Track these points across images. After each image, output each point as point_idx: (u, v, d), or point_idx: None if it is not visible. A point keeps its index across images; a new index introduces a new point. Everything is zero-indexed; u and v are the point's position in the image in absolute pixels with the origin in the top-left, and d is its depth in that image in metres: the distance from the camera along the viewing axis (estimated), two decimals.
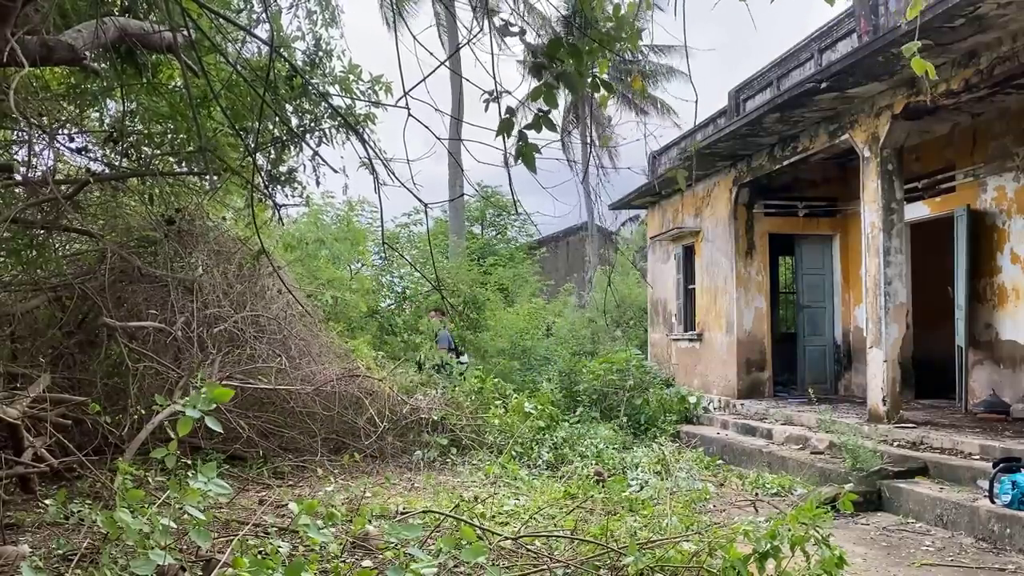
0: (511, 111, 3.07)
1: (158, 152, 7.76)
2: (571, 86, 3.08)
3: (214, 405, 2.61)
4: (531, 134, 3.11)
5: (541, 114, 3.05)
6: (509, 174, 3.11)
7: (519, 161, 3.06)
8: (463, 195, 23.12)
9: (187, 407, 2.56)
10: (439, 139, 3.21)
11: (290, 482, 6.95)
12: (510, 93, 3.17)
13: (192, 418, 2.57)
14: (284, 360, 7.92)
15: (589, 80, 3.18)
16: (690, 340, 13.95)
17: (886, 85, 8.49)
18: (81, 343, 7.26)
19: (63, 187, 7.19)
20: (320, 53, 7.22)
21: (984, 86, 7.65)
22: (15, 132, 7.20)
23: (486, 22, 3.30)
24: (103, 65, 5.78)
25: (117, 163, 7.67)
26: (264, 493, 6.25)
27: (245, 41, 6.72)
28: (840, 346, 12.46)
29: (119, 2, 5.94)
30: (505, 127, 3.04)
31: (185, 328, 7.19)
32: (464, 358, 12.10)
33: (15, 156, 7.43)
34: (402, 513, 5.25)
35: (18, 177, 7.00)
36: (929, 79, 2.89)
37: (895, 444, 7.92)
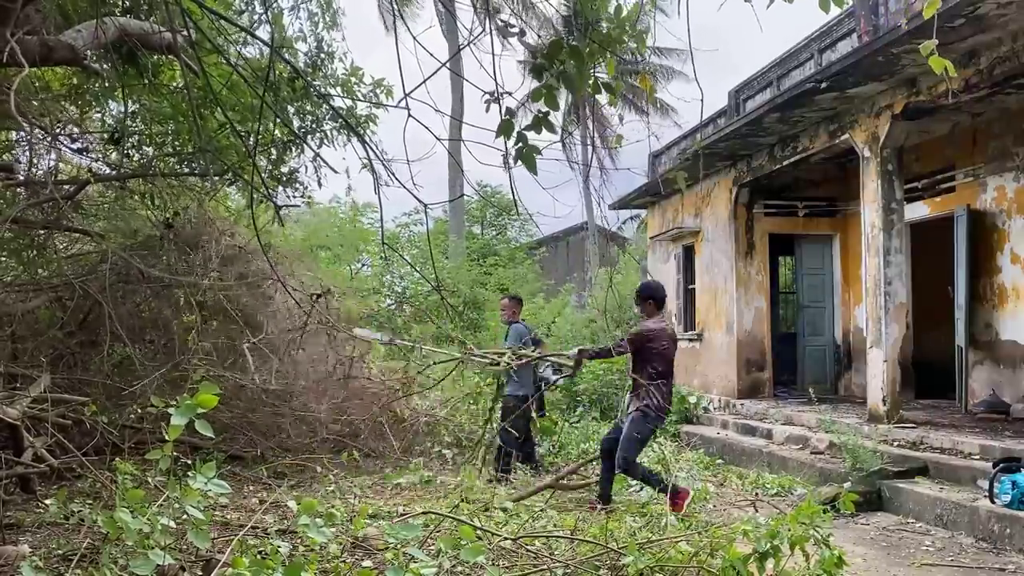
0: (511, 112, 3.08)
1: (159, 153, 7.78)
2: (572, 87, 3.08)
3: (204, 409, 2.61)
4: (531, 135, 3.11)
5: (541, 115, 3.05)
6: (511, 176, 3.12)
7: (518, 163, 3.07)
8: (463, 195, 23.14)
9: (175, 414, 2.56)
10: (439, 139, 3.22)
11: (290, 482, 6.95)
12: (511, 94, 3.17)
13: (179, 425, 2.57)
14: (287, 361, 7.91)
15: (591, 81, 3.18)
16: (690, 340, 13.95)
17: (886, 85, 8.49)
18: (82, 343, 7.26)
19: (64, 187, 7.20)
20: (322, 55, 7.23)
21: (984, 86, 7.65)
22: (17, 132, 7.21)
23: (487, 22, 3.30)
24: (104, 65, 5.78)
25: (119, 164, 7.68)
26: (263, 493, 6.25)
27: (246, 42, 6.73)
28: (840, 346, 12.46)
29: (119, 2, 5.95)
30: (505, 129, 3.04)
31: (187, 330, 7.19)
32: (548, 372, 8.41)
33: (17, 157, 7.44)
34: (402, 513, 5.25)
35: (19, 177, 7.01)
36: (951, 75, 2.88)
37: (895, 444, 7.92)
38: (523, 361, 7.42)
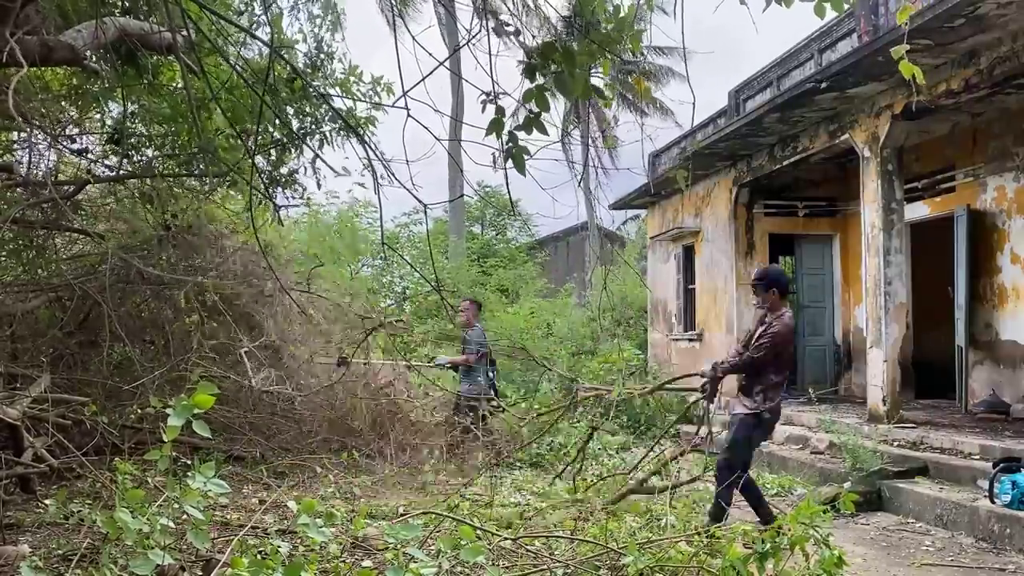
0: (501, 111, 3.06)
1: (159, 154, 7.77)
2: (564, 90, 3.07)
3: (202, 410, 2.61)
4: (529, 136, 3.10)
5: (532, 115, 3.04)
6: (507, 176, 3.11)
7: (507, 162, 3.05)
8: (463, 195, 23.14)
9: (172, 414, 2.56)
10: (438, 139, 3.22)
11: (291, 482, 6.95)
12: (508, 94, 3.17)
13: (176, 426, 2.57)
14: (287, 361, 7.91)
15: (585, 85, 3.17)
16: (690, 340, 13.95)
17: (886, 85, 8.50)
18: (81, 343, 7.26)
19: (64, 188, 7.20)
20: (322, 56, 7.23)
21: (984, 86, 7.65)
22: (17, 133, 7.22)
23: (485, 22, 3.30)
24: (104, 66, 5.78)
25: (118, 165, 7.68)
26: (263, 493, 6.25)
27: (245, 43, 6.73)
28: (840, 346, 12.46)
29: (119, 2, 5.95)
30: (495, 127, 3.03)
31: (187, 331, 7.19)
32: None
33: (18, 157, 7.45)
34: (402, 513, 5.25)
35: (19, 177, 7.01)
36: (918, 82, 2.87)
37: (895, 444, 7.92)
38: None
